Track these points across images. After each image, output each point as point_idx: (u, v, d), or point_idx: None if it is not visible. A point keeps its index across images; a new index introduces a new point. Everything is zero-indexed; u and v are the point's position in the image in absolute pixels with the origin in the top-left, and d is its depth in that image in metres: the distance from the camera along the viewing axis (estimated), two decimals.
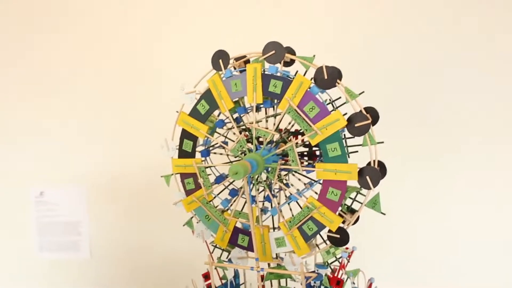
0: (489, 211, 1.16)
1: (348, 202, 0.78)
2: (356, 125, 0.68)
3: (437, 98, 1.16)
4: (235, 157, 0.83)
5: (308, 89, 0.70)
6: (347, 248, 0.77)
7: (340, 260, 0.77)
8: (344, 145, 0.72)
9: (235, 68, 0.80)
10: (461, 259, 1.19)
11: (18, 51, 1.36)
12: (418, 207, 1.20)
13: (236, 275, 0.91)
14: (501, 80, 1.13)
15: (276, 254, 0.85)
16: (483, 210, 1.16)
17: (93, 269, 1.38)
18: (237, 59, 0.81)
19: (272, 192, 0.79)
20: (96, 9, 1.32)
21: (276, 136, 0.77)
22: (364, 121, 0.68)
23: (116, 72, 1.32)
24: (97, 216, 1.36)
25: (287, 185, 0.79)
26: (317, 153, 0.85)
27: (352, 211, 0.78)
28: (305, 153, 0.86)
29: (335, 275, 0.73)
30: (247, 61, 0.80)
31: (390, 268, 1.21)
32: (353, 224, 0.79)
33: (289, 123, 0.80)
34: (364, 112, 0.68)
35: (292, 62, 0.81)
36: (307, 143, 0.85)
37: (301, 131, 0.83)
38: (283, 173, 0.84)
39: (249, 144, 0.78)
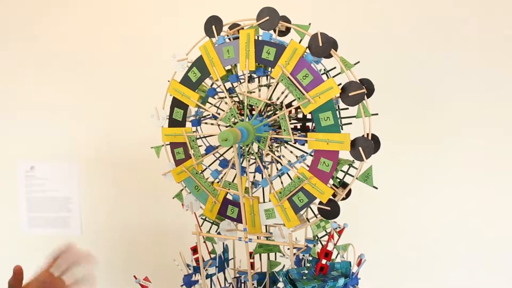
0: (483, 192, 1.15)
1: (340, 175, 0.77)
2: (350, 94, 0.66)
3: (436, 78, 1.15)
4: (226, 127, 0.81)
5: (303, 57, 0.68)
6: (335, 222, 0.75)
7: (329, 232, 0.76)
8: (338, 115, 0.71)
9: (229, 38, 0.78)
10: (452, 240, 1.19)
11: (17, 26, 1.34)
12: (410, 185, 1.19)
13: (225, 250, 0.90)
14: (503, 63, 1.12)
15: (266, 227, 0.84)
16: (475, 191, 1.15)
17: (83, 246, 1.36)
18: (230, 27, 0.79)
19: (263, 164, 0.78)
20: None
21: (263, 104, 0.75)
22: (358, 90, 0.66)
23: (109, 48, 1.30)
24: (88, 192, 1.35)
25: (278, 157, 0.78)
26: (310, 127, 0.84)
27: (344, 185, 0.76)
28: (298, 126, 0.84)
29: (325, 247, 0.72)
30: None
31: (381, 246, 1.20)
32: (344, 198, 0.78)
33: (282, 93, 0.78)
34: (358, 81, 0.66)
35: (287, 32, 0.79)
36: (301, 116, 0.83)
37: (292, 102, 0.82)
38: (275, 145, 0.82)
39: (241, 117, 0.76)
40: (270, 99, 0.75)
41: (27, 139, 1.35)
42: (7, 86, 1.35)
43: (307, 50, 0.68)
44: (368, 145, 0.67)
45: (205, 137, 0.84)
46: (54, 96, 1.33)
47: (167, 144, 0.85)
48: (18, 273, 0.59)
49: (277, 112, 0.78)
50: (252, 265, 0.88)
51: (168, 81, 0.82)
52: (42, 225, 1.36)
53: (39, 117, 1.34)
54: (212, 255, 0.89)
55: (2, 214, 1.39)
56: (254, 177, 0.86)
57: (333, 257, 0.75)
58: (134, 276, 0.85)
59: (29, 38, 1.33)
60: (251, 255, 0.86)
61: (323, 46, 0.67)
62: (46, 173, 1.34)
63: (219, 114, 0.82)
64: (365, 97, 0.68)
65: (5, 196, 1.37)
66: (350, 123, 0.75)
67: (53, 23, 1.32)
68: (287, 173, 0.79)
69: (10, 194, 1.37)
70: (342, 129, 0.74)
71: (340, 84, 0.68)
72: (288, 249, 0.83)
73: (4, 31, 1.34)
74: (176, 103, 0.80)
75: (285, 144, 0.82)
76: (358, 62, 0.72)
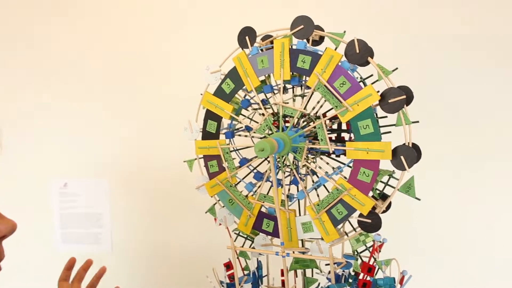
0: None
1: (380, 187, 0.74)
2: (390, 101, 0.64)
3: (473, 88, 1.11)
4: (261, 138, 0.80)
5: (339, 64, 0.66)
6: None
7: (371, 247, 0.72)
8: (377, 122, 0.68)
9: (261, 49, 0.77)
10: (497, 256, 1.12)
11: (40, 37, 1.38)
12: (456, 198, 1.13)
13: (259, 267, 0.87)
14: None
15: (302, 241, 0.81)
16: None
17: (113, 262, 1.36)
18: (263, 38, 0.79)
19: (299, 175, 0.76)
20: None
21: (299, 114, 0.73)
22: (398, 96, 0.64)
23: (140, 67, 1.32)
24: (119, 209, 1.36)
25: (315, 168, 0.76)
26: (346, 138, 0.81)
27: (384, 197, 0.73)
28: (333, 138, 0.82)
29: (367, 261, 0.68)
30: None
31: (424, 261, 1.15)
32: (385, 211, 0.74)
33: (318, 102, 0.76)
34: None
35: (321, 41, 0.78)
36: (335, 127, 0.81)
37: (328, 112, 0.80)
38: (311, 157, 0.80)
39: (276, 128, 0.75)
40: (305, 109, 0.74)
41: (60, 155, 1.37)
42: (39, 105, 1.39)
43: (344, 58, 0.67)
44: (410, 153, 0.64)
45: (239, 149, 0.83)
46: (86, 113, 1.36)
47: (200, 158, 0.84)
48: None
49: (311, 123, 0.77)
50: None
51: (201, 94, 0.82)
52: (75, 241, 1.37)
53: (71, 134, 1.37)
54: (245, 272, 0.87)
55: (37, 230, 1.40)
56: (289, 190, 0.84)
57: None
58: None
59: (62, 57, 1.37)
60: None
61: (360, 52, 0.65)
62: (78, 190, 1.36)
63: (252, 126, 0.81)
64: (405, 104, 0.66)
65: (39, 212, 1.39)
66: (390, 132, 0.72)
67: (87, 45, 1.36)
68: (324, 186, 0.77)
69: (44, 210, 1.39)
70: (380, 138, 0.71)
71: (378, 91, 0.66)
72: (326, 264, 0.80)
73: (40, 49, 1.38)
74: (210, 115, 0.80)
75: (321, 156, 0.80)
76: (396, 68, 0.70)
